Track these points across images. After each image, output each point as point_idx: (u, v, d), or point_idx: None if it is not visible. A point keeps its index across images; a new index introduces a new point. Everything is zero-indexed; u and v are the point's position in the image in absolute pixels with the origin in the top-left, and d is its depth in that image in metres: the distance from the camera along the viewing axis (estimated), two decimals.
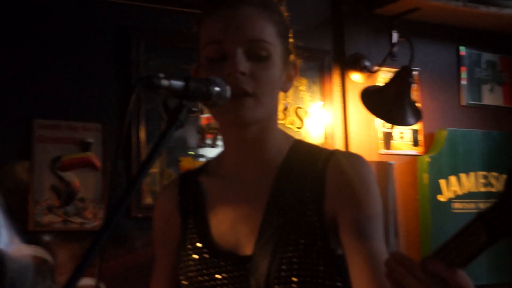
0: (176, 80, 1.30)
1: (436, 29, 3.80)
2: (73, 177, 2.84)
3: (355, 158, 1.59)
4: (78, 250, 2.83)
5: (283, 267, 1.50)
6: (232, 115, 1.49)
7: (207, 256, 1.58)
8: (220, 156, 1.67)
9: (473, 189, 3.73)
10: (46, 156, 2.75)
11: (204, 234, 1.61)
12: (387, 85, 3.30)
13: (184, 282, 1.60)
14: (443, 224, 3.60)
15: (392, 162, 3.51)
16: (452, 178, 3.66)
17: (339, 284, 1.52)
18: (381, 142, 3.57)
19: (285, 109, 1.71)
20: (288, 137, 1.65)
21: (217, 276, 1.57)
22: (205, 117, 3.14)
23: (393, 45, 3.38)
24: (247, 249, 1.55)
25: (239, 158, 1.61)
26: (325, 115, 3.42)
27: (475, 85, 3.90)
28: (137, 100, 2.98)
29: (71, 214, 2.84)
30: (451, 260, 1.10)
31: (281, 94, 1.64)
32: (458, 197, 3.69)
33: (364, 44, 3.53)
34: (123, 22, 3.05)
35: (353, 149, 3.49)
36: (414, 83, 3.64)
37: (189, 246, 1.61)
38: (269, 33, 1.54)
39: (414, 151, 3.66)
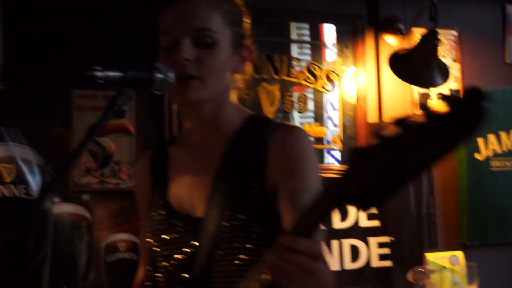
0: (113, 71, 1.38)
1: None
2: (108, 142, 2.93)
3: (296, 132, 1.65)
4: (114, 208, 2.94)
5: (227, 228, 1.58)
6: (179, 97, 1.59)
7: (166, 217, 1.68)
8: (187, 129, 1.77)
9: None
10: (84, 123, 2.84)
11: (166, 198, 1.71)
12: (414, 48, 3.24)
13: (150, 240, 1.70)
14: (480, 182, 3.58)
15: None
16: (491, 137, 3.60)
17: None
18: (417, 102, 3.48)
19: (237, 88, 1.79)
20: (242, 112, 1.71)
21: (175, 235, 1.66)
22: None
23: (423, 7, 3.25)
24: (200, 212, 1.63)
25: (197, 131, 1.70)
26: (358, 78, 3.39)
27: None
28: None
29: (107, 176, 2.93)
30: (304, 229, 1.19)
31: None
32: (497, 155, 3.61)
33: (399, 6, 3.43)
34: None
35: (387, 110, 3.48)
36: (455, 43, 3.57)
37: (154, 208, 1.72)
38: (215, 22, 1.60)
39: None
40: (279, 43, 3.36)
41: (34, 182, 2.72)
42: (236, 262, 1.60)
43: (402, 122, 1.01)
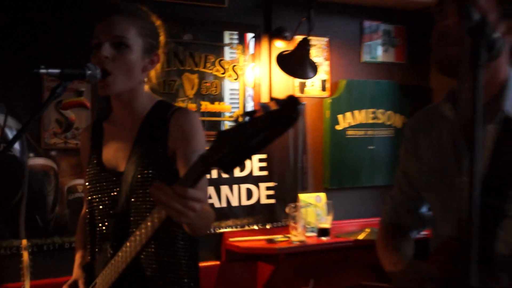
0: (54, 69, 1.43)
1: (344, 8, 3.69)
2: (70, 114, 2.91)
3: (189, 113, 1.70)
4: (74, 161, 2.91)
5: (140, 179, 1.65)
6: (101, 90, 1.63)
7: (99, 171, 1.74)
8: (113, 110, 1.79)
9: (364, 121, 3.73)
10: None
11: (99, 157, 1.77)
12: (293, 51, 3.27)
13: (88, 186, 1.77)
14: (339, 145, 3.64)
15: (304, 102, 3.53)
16: (348, 114, 3.68)
17: None
18: (297, 89, 3.55)
19: (146, 82, 1.82)
20: (153, 99, 1.75)
21: (105, 184, 1.72)
22: None
23: (302, 20, 3.30)
24: (122, 168, 1.70)
25: (119, 113, 1.75)
26: (255, 71, 3.42)
27: (373, 46, 3.83)
28: None
29: (69, 138, 2.91)
30: (187, 183, 1.23)
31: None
32: (351, 126, 3.68)
33: (287, 19, 3.46)
34: None
35: (275, 93, 3.47)
36: (326, 46, 3.62)
37: (90, 165, 1.78)
38: (129, 32, 1.63)
39: (323, 95, 3.64)
40: (214, 45, 3.30)
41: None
42: (147, 205, 1.63)
43: (249, 114, 1.07)
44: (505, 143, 1.32)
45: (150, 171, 1.64)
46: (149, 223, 1.41)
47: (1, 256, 2.75)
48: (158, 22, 1.74)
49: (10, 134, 2.71)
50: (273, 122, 1.04)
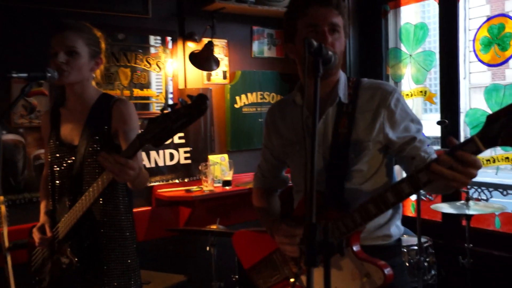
0: (23, 72, 1.53)
1: (238, 17, 3.86)
2: (33, 100, 2.99)
3: (126, 102, 1.81)
4: (37, 135, 2.96)
5: (90, 150, 1.75)
6: (58, 80, 1.72)
7: (58, 145, 1.84)
8: (68, 99, 1.88)
9: (255, 101, 3.98)
10: (19, 90, 2.59)
11: (57, 135, 1.85)
12: (201, 50, 3.51)
13: (49, 156, 1.87)
14: (237, 119, 3.87)
15: (211, 88, 3.73)
16: (243, 95, 3.92)
17: None
18: (205, 78, 3.74)
19: (93, 79, 1.86)
20: (98, 92, 1.84)
21: (62, 153, 1.81)
22: None
23: (206, 28, 3.59)
24: (76, 142, 1.80)
25: (73, 101, 1.84)
26: (173, 65, 3.58)
27: (260, 45, 4.03)
28: None
29: (33, 118, 3.00)
30: (128, 154, 1.39)
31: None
32: (246, 105, 3.93)
33: (196, 25, 3.66)
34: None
35: (189, 81, 3.61)
36: (226, 46, 3.84)
37: (51, 141, 1.87)
38: (78, 43, 1.74)
39: (224, 82, 3.85)
40: (142, 46, 3.43)
41: None
42: (97, 169, 1.72)
43: (171, 106, 1.21)
44: (340, 120, 1.49)
45: (97, 145, 1.75)
46: (100, 182, 1.53)
47: None
48: (99, 34, 1.85)
49: None
50: (189, 112, 1.18)
